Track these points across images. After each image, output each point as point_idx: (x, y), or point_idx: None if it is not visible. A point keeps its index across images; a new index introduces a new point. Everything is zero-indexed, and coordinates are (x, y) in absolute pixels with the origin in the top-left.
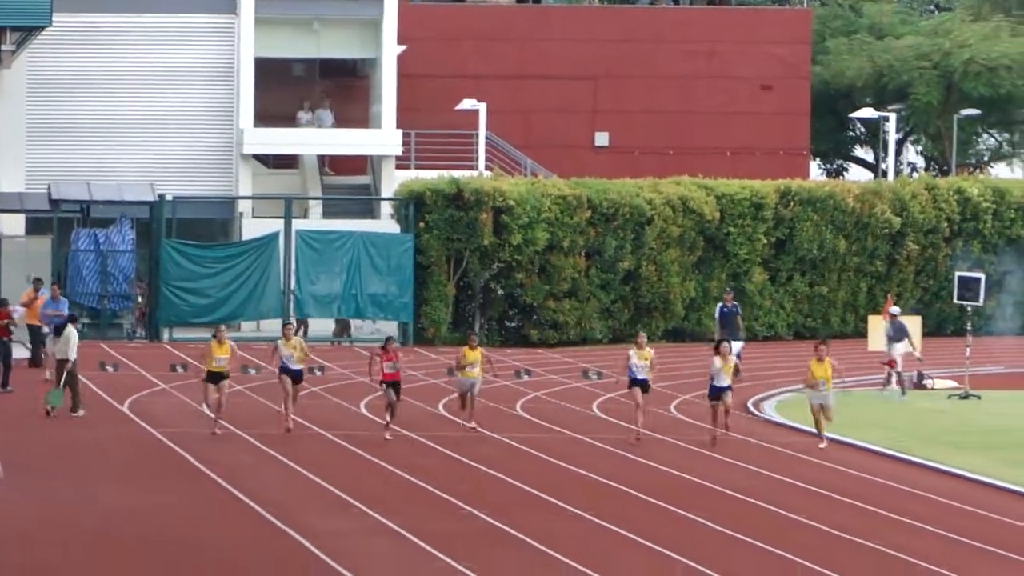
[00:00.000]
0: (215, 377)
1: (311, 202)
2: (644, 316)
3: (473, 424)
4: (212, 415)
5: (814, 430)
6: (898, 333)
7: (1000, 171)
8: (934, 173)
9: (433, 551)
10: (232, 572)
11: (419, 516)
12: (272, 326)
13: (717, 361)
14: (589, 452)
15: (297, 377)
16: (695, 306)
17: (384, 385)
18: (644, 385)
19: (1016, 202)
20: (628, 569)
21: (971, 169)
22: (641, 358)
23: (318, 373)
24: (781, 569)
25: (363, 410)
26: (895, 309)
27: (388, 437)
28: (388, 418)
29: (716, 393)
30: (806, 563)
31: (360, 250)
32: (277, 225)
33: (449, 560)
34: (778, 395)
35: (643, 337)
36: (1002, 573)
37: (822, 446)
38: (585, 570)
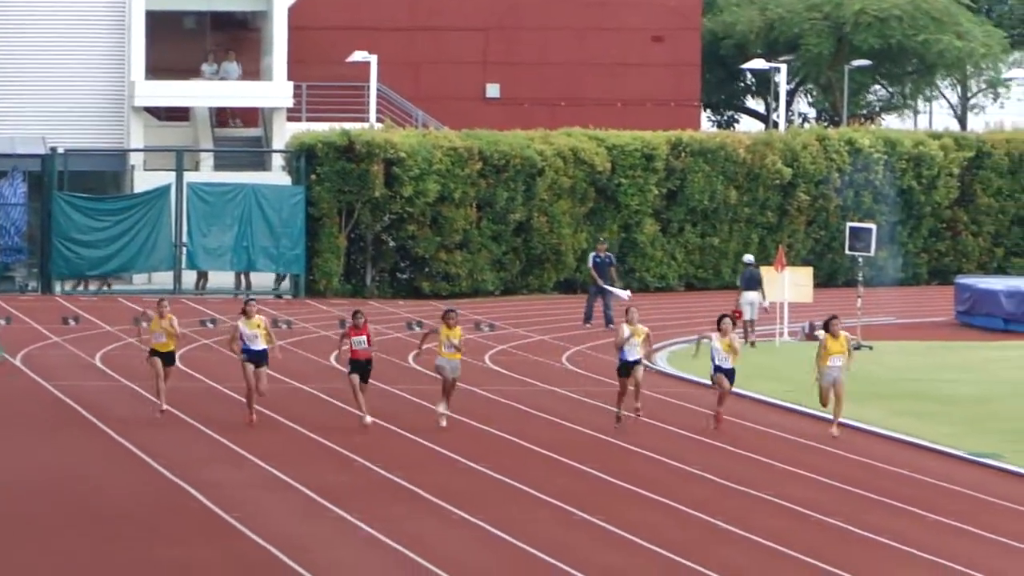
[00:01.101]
0: (161, 356)
1: (202, 155)
2: (535, 268)
3: (447, 411)
4: (155, 398)
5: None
6: (749, 282)
7: (891, 122)
8: (825, 124)
9: (325, 503)
10: (123, 523)
11: (313, 469)
12: (162, 278)
13: (715, 338)
14: (485, 405)
15: (261, 360)
16: (586, 257)
17: (350, 364)
18: (637, 363)
19: (907, 152)
20: (522, 521)
21: (862, 120)
22: (634, 333)
23: (211, 326)
24: (670, 517)
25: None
26: (748, 258)
27: (368, 422)
28: (359, 400)
29: (722, 372)
30: (700, 515)
31: (251, 202)
32: (169, 178)
33: (341, 512)
34: (669, 346)
35: (636, 312)
36: (890, 523)
37: (835, 433)
38: (478, 522)
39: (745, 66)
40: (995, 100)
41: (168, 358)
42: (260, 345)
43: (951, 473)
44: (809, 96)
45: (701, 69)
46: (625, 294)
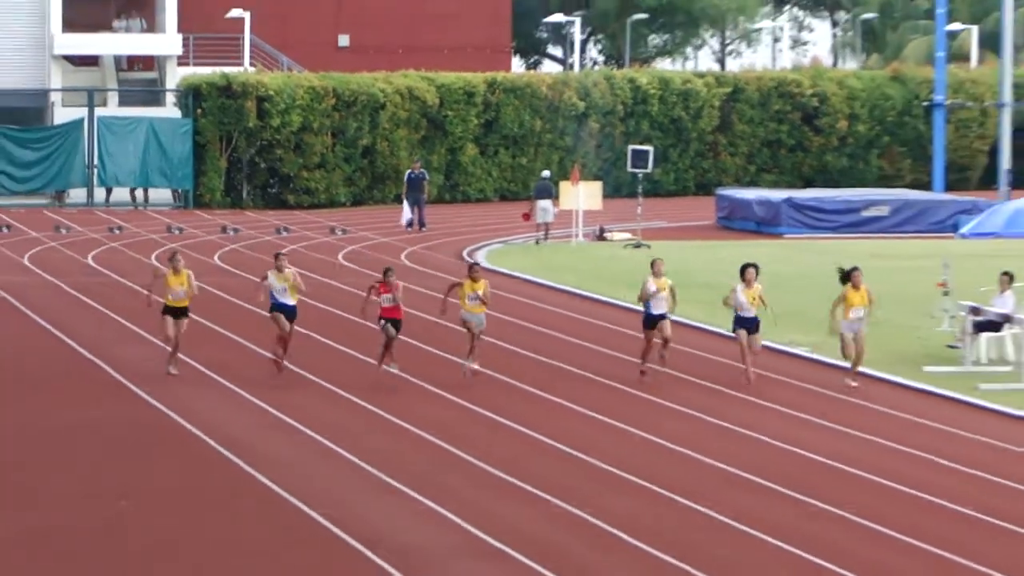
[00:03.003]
0: (174, 312)
1: (109, 94)
2: (379, 183)
3: (476, 366)
4: (169, 349)
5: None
6: (541, 192)
7: (665, 64)
8: (611, 66)
9: (215, 376)
10: (42, 391)
11: (208, 352)
12: (78, 194)
13: (740, 289)
14: (339, 294)
15: (292, 314)
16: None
17: (382, 321)
18: (663, 317)
19: (678, 89)
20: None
21: (641, 63)
22: (660, 287)
23: (117, 232)
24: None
25: (154, 261)
26: (545, 173)
27: (394, 371)
28: (383, 358)
29: (746, 324)
30: (489, 371)
31: (149, 132)
32: (82, 113)
33: (230, 384)
34: (486, 246)
35: (662, 264)
36: (685, 394)
37: (854, 384)
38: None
39: (547, 19)
40: (748, 46)
41: (181, 313)
42: (289, 300)
43: (716, 347)
44: (599, 44)
45: (512, 22)
46: (407, 216)
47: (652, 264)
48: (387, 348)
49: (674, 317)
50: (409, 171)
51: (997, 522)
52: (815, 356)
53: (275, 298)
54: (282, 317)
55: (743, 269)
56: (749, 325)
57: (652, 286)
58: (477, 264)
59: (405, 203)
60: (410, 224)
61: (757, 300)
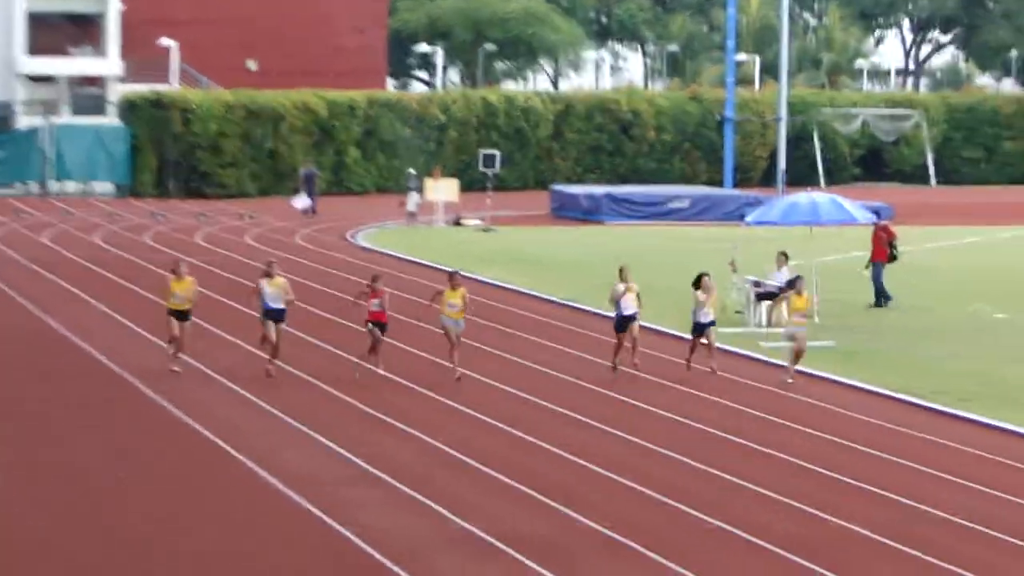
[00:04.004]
0: (178, 315)
1: (63, 106)
2: (280, 179)
3: (456, 364)
4: (170, 351)
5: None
6: (414, 182)
7: (510, 85)
8: (467, 86)
9: (136, 327)
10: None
11: (127, 303)
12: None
13: (700, 295)
14: (244, 266)
15: (279, 317)
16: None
17: (369, 324)
18: (632, 319)
19: (520, 105)
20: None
21: (491, 84)
22: (630, 291)
23: (68, 216)
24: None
25: (99, 241)
26: (411, 171)
27: (381, 371)
28: (374, 360)
29: (700, 329)
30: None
31: (95, 137)
32: (40, 120)
33: (148, 333)
34: (364, 230)
35: (629, 271)
36: (526, 349)
37: (789, 380)
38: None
39: (416, 48)
40: (576, 72)
41: (184, 315)
42: (279, 304)
43: (549, 311)
44: (457, 69)
45: (387, 51)
46: (300, 203)
47: (620, 270)
48: (373, 349)
49: (519, 287)
50: (303, 169)
51: (769, 450)
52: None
53: (266, 303)
54: (271, 322)
55: (698, 278)
56: (707, 327)
57: (621, 288)
58: (457, 272)
59: (299, 194)
60: (304, 211)
61: (715, 305)
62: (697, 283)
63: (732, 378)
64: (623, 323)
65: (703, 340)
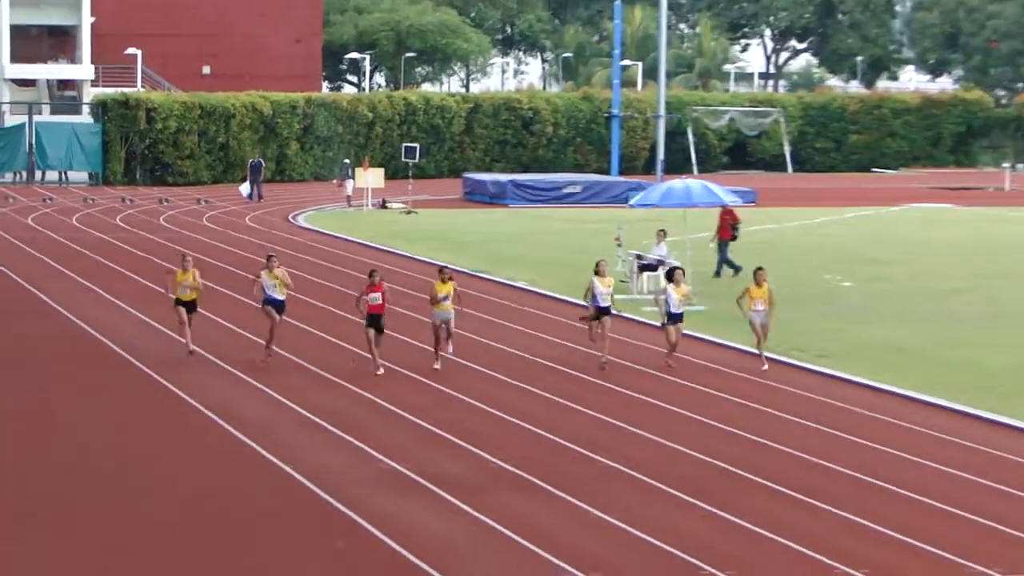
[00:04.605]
0: (184, 305)
1: (44, 106)
2: (231, 169)
3: (451, 351)
4: (183, 339)
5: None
6: (348, 171)
7: (428, 87)
8: (391, 88)
9: (117, 301)
10: None
11: (98, 274)
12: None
13: (670, 289)
14: (213, 248)
15: (280, 307)
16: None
17: (366, 319)
18: (607, 312)
19: (436, 104)
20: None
21: (412, 86)
22: (604, 285)
23: (50, 201)
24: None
25: (75, 223)
26: (346, 161)
27: (379, 373)
28: (374, 353)
29: (674, 319)
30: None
31: (71, 132)
32: (24, 119)
33: (128, 307)
34: (304, 213)
35: (605, 265)
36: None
37: (764, 367)
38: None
39: (347, 56)
40: (485, 75)
41: (191, 306)
42: (278, 295)
43: (462, 280)
44: (382, 73)
45: (322, 58)
46: (244, 190)
47: (596, 265)
48: (372, 345)
49: (436, 261)
50: (251, 159)
51: (657, 402)
52: (534, 289)
53: (266, 293)
54: (272, 309)
55: (670, 272)
56: (677, 319)
57: (597, 284)
58: (446, 267)
59: (246, 182)
60: (250, 197)
61: (686, 298)
62: (670, 276)
63: (621, 339)
64: (597, 315)
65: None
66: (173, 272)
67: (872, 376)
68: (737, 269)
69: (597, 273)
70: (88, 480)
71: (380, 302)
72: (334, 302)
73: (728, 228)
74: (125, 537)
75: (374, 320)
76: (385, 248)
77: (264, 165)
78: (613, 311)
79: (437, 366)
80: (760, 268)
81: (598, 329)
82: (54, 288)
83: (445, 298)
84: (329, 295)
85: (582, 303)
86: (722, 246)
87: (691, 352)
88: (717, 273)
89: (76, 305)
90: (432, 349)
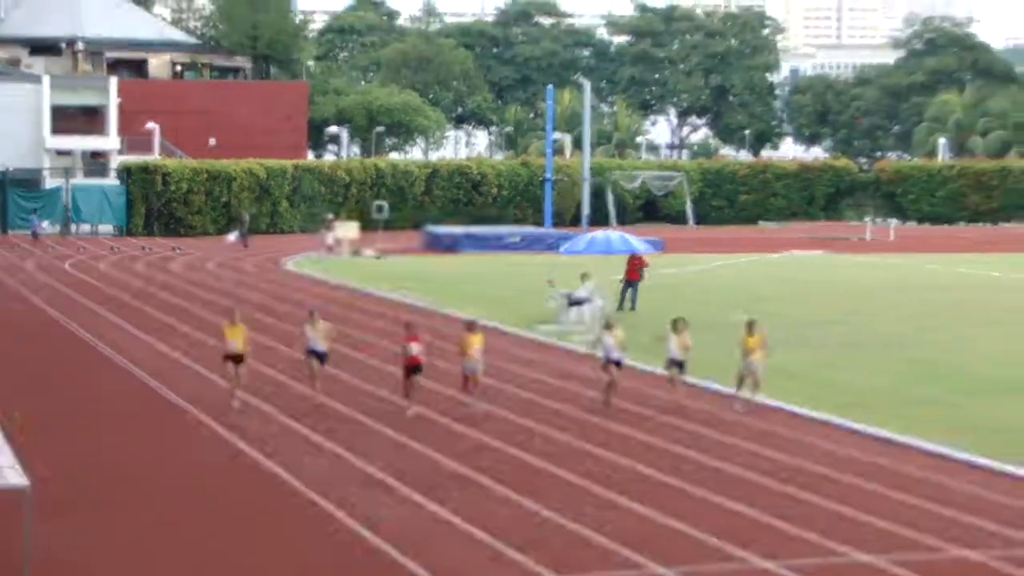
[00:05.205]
0: (232, 358)
1: (79, 171)
2: (233, 223)
3: (472, 399)
4: (230, 387)
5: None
6: (329, 224)
7: (394, 155)
8: (364, 156)
9: (121, 321)
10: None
11: (122, 308)
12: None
13: (672, 337)
14: (206, 286)
15: (322, 357)
16: (260, 220)
17: (406, 368)
18: (618, 363)
19: (401, 170)
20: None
21: (380, 154)
22: (615, 339)
23: (83, 249)
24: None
25: (103, 267)
26: (329, 215)
27: (410, 414)
28: (408, 399)
29: (676, 365)
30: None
31: (101, 192)
32: (62, 182)
33: (117, 318)
34: (291, 259)
35: (615, 320)
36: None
37: (740, 409)
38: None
39: (328, 129)
40: (440, 146)
41: (322, 356)
42: (321, 347)
43: (438, 320)
44: (356, 143)
45: (308, 130)
46: (232, 237)
47: (606, 320)
48: (410, 390)
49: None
50: (242, 214)
51: (559, 405)
52: (484, 321)
53: (310, 345)
54: (314, 359)
55: (674, 322)
56: (679, 365)
57: (607, 337)
58: (476, 321)
59: (233, 232)
60: (235, 243)
61: (686, 347)
62: (674, 326)
63: (576, 368)
64: (606, 365)
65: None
66: (222, 329)
67: (766, 395)
68: (627, 307)
69: (608, 328)
70: None
71: (419, 353)
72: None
73: (636, 271)
74: None
75: (412, 369)
76: (357, 287)
77: (248, 219)
78: (624, 362)
79: (469, 398)
80: (754, 321)
81: (607, 377)
82: (85, 321)
83: (475, 349)
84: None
85: (596, 354)
86: (632, 286)
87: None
88: (619, 308)
89: (89, 325)
90: (461, 391)
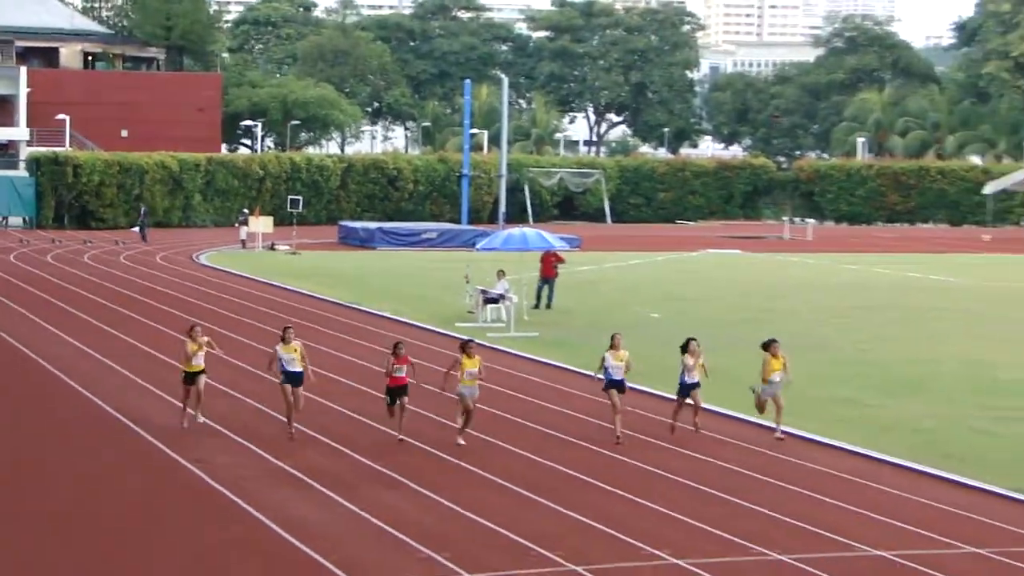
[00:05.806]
0: (291, 379)
1: None
2: (145, 215)
3: (463, 439)
4: (190, 410)
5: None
6: (244, 217)
7: (310, 149)
8: (279, 150)
9: (28, 313)
10: None
11: (27, 300)
12: None
13: (688, 359)
14: (118, 280)
15: (297, 381)
16: (173, 214)
17: (387, 391)
18: (620, 386)
19: (317, 164)
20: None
21: (295, 149)
22: (617, 359)
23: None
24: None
25: (11, 259)
26: (245, 211)
27: (401, 439)
28: (398, 426)
29: (686, 391)
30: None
31: (10, 184)
32: None
33: (31, 314)
34: (205, 252)
35: (620, 339)
36: (319, 338)
37: (779, 436)
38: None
39: (243, 123)
40: (358, 140)
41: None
42: (296, 368)
43: (338, 310)
44: (271, 137)
45: (221, 123)
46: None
47: (612, 338)
48: (399, 414)
49: (316, 294)
50: (143, 208)
51: (511, 417)
52: (397, 318)
53: (283, 366)
54: (288, 387)
55: (686, 343)
56: (692, 388)
57: (611, 359)
58: (472, 341)
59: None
60: (143, 238)
61: (701, 367)
62: (685, 347)
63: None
64: (609, 386)
65: (688, 401)
66: (183, 346)
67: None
68: (542, 305)
69: (612, 347)
70: None
71: (404, 375)
72: (250, 335)
73: (552, 267)
74: None
75: (396, 392)
76: (271, 282)
77: (148, 213)
78: (627, 383)
79: (461, 440)
80: (774, 340)
81: (612, 400)
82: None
83: (472, 374)
84: (246, 329)
85: (596, 376)
86: (548, 283)
87: (526, 369)
88: (536, 305)
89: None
90: (457, 426)
